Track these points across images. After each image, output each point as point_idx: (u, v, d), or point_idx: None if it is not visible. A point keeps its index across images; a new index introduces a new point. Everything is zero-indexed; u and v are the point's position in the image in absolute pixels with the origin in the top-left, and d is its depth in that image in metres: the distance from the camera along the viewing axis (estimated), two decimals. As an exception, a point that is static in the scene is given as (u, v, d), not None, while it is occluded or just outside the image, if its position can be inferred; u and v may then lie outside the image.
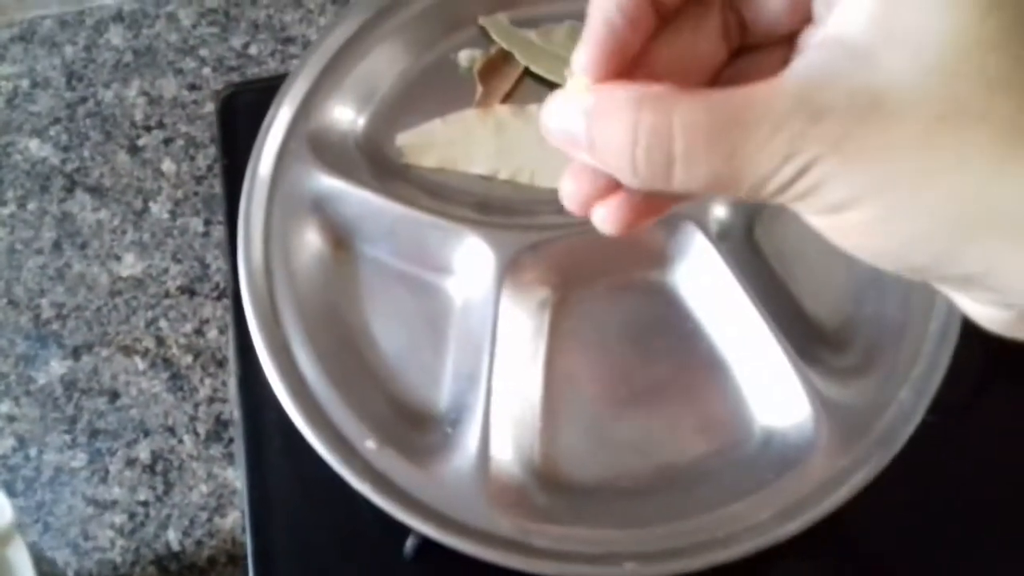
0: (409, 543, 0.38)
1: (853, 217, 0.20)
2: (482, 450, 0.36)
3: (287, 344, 0.38)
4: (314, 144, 0.40)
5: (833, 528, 0.35)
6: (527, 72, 0.43)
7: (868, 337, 0.39)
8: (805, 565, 0.40)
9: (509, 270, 0.38)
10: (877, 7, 0.19)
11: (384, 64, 0.43)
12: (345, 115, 0.42)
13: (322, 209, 0.40)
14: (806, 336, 0.38)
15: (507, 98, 0.43)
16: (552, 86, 0.43)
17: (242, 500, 0.49)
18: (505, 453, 0.37)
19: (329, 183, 0.39)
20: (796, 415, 0.37)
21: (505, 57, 0.43)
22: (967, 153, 0.19)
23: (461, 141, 0.40)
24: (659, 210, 0.24)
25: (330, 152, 0.41)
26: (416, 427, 0.37)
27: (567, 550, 0.34)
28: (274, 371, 0.37)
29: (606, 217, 0.23)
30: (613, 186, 0.23)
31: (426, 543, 0.36)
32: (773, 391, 0.37)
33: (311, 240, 0.40)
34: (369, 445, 0.36)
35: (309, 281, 0.39)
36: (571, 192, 0.23)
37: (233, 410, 0.52)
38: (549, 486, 0.37)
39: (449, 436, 0.37)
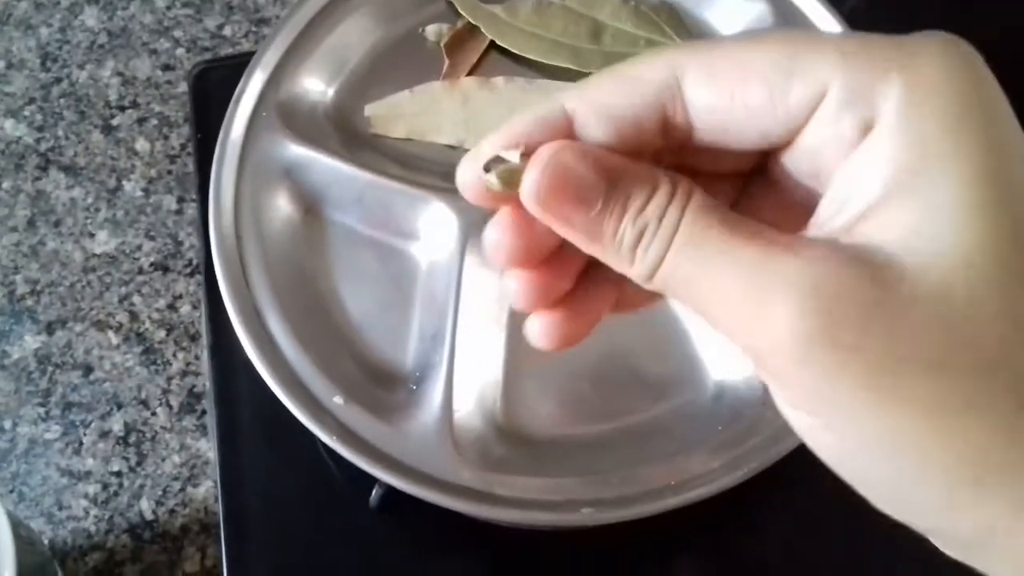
0: (375, 493, 0.41)
1: (827, 437, 0.19)
2: (445, 406, 0.39)
3: (257, 307, 0.40)
4: (284, 114, 0.43)
5: (779, 477, 0.38)
6: (493, 46, 0.46)
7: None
8: (753, 511, 0.43)
9: (473, 234, 0.41)
10: (909, 221, 0.18)
11: (353, 37, 0.46)
12: (315, 86, 0.45)
13: (292, 177, 0.43)
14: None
15: (473, 71, 0.46)
16: (517, 59, 0.46)
17: (214, 470, 0.52)
18: (468, 409, 0.39)
19: (299, 152, 0.42)
20: (747, 370, 0.40)
21: (471, 31, 0.46)
22: (980, 401, 0.18)
23: (428, 112, 0.43)
24: (598, 318, 0.22)
25: (300, 122, 0.43)
26: (382, 385, 0.40)
27: (527, 498, 0.37)
28: (244, 332, 0.40)
29: (541, 331, 0.22)
30: (559, 292, 0.22)
31: (391, 495, 0.38)
32: (726, 348, 0.40)
33: (281, 207, 0.43)
34: (337, 401, 0.39)
35: (279, 247, 0.42)
36: (521, 291, 0.22)
37: (206, 380, 0.55)
38: (510, 439, 0.40)
39: (414, 393, 0.40)
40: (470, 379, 0.40)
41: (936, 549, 0.40)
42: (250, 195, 0.42)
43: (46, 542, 0.51)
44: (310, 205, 0.43)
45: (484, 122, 0.43)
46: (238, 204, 0.41)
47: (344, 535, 0.43)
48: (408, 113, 0.43)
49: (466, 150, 0.43)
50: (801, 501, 0.44)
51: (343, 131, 0.45)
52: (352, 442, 0.38)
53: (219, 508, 0.50)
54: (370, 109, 0.43)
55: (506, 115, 0.43)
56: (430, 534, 0.43)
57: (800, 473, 0.43)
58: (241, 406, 0.47)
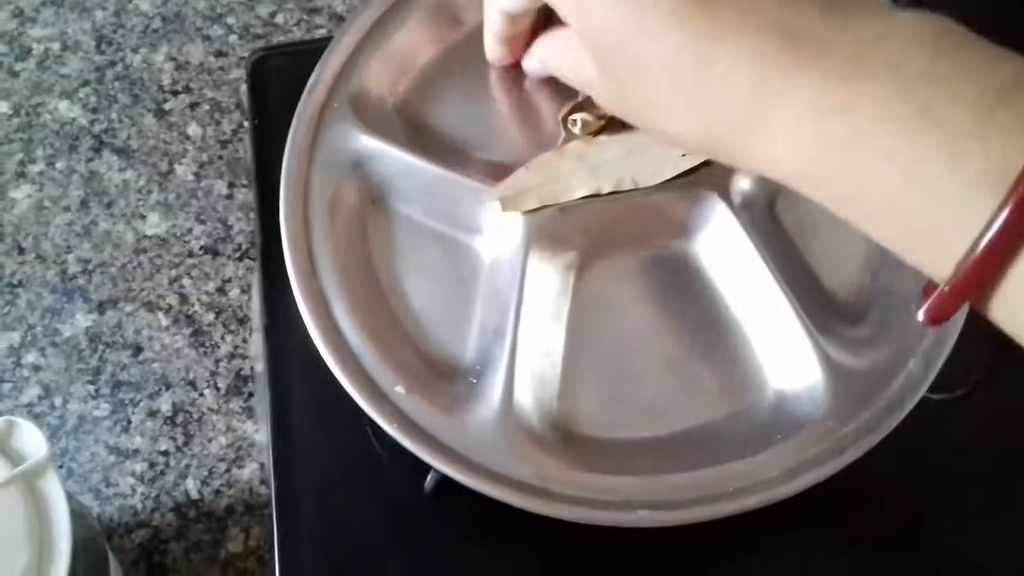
0: (429, 478, 0.42)
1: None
2: (505, 401, 0.39)
3: (323, 293, 0.41)
4: (355, 105, 0.43)
5: (838, 488, 0.38)
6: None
7: (880, 311, 0.42)
8: (807, 522, 0.43)
9: (537, 232, 0.41)
10: None
11: (424, 32, 0.46)
12: (385, 79, 0.45)
13: (360, 168, 0.43)
14: (821, 307, 0.41)
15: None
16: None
17: (260, 452, 0.52)
18: (526, 405, 0.40)
19: (369, 143, 0.42)
20: (808, 380, 0.40)
21: (591, 102, 0.44)
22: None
23: (551, 180, 0.42)
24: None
25: (370, 114, 0.44)
26: (443, 377, 0.40)
27: (583, 496, 0.37)
28: (311, 320, 0.40)
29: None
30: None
31: (445, 483, 0.39)
32: (787, 357, 0.40)
33: (349, 197, 0.43)
34: (398, 390, 0.39)
35: (345, 236, 0.42)
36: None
37: (254, 364, 0.55)
38: (567, 437, 0.40)
39: (474, 386, 0.40)
40: (529, 376, 0.40)
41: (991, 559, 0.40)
42: (319, 184, 0.42)
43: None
44: (377, 196, 0.43)
45: (610, 166, 0.42)
46: (307, 193, 0.42)
47: (394, 517, 0.44)
48: (533, 186, 0.42)
49: (606, 194, 0.42)
50: (859, 515, 0.44)
51: (410, 125, 0.45)
52: (412, 431, 0.38)
53: (264, 488, 0.51)
54: (496, 193, 0.42)
55: (626, 157, 0.42)
56: (482, 523, 0.43)
57: (859, 487, 0.43)
58: (294, 389, 0.47)
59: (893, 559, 0.44)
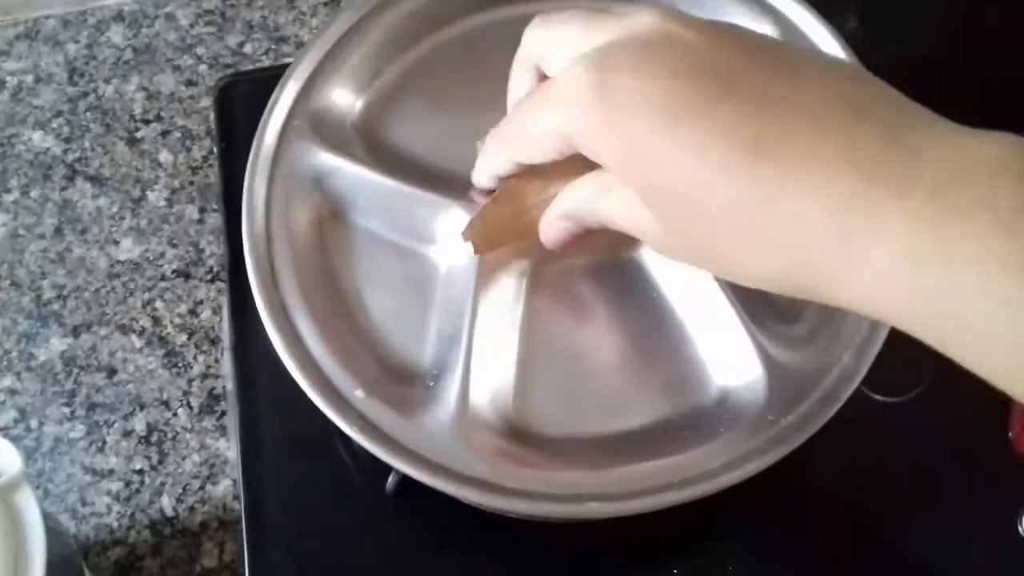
0: (391, 479, 0.44)
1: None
2: (461, 403, 0.41)
3: (285, 306, 0.43)
4: (315, 124, 0.46)
5: (778, 477, 0.40)
6: None
7: (815, 310, 0.45)
8: (750, 508, 0.46)
9: (490, 241, 0.44)
10: None
11: (381, 54, 0.49)
12: (344, 98, 0.48)
13: (320, 183, 0.46)
14: (760, 307, 0.44)
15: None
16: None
17: (233, 469, 0.55)
18: (482, 406, 0.42)
19: (328, 159, 0.45)
20: (748, 376, 0.42)
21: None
22: None
23: (520, 211, 0.41)
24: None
25: (329, 131, 0.47)
26: (401, 382, 0.43)
27: (536, 491, 0.40)
28: (273, 329, 0.42)
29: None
30: None
31: (406, 482, 0.41)
32: (729, 355, 0.43)
33: (309, 211, 0.46)
34: (358, 395, 0.41)
35: (306, 249, 0.45)
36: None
37: (225, 382, 0.57)
38: (522, 436, 0.42)
39: (431, 390, 0.42)
40: (485, 378, 0.43)
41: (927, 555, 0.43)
42: (280, 199, 0.45)
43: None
44: (336, 210, 0.46)
45: None
46: (269, 207, 0.44)
47: (360, 524, 0.46)
48: (503, 221, 0.40)
49: None
50: (798, 502, 0.47)
51: (369, 141, 0.48)
52: (372, 433, 0.41)
53: (238, 504, 0.53)
54: (467, 236, 0.42)
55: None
56: (444, 524, 0.46)
57: (798, 475, 0.46)
58: (262, 403, 0.50)
59: (834, 548, 0.47)
